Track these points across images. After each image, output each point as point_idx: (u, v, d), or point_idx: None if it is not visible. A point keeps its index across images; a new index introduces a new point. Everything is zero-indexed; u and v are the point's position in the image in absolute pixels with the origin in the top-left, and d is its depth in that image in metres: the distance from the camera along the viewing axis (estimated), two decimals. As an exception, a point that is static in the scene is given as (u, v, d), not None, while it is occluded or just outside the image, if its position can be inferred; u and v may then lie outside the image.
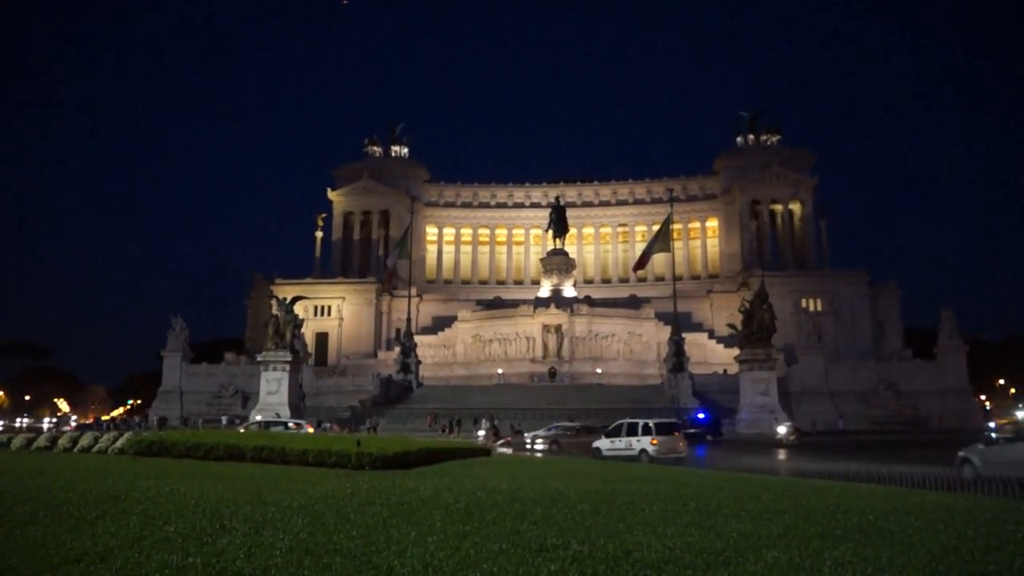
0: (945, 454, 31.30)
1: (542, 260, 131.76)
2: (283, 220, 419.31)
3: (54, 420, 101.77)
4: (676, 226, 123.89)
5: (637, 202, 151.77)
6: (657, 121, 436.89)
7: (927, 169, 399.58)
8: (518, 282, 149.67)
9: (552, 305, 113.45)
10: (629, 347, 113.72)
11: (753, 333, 77.82)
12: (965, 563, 9.97)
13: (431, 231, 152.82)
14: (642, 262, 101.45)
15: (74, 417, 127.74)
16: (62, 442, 30.38)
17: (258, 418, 62.02)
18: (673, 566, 9.36)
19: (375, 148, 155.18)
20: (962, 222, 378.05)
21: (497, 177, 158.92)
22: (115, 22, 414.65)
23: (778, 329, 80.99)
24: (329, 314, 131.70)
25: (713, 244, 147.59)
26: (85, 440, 29.71)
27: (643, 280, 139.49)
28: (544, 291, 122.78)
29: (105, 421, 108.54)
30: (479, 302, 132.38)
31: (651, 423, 40.89)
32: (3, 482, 16.67)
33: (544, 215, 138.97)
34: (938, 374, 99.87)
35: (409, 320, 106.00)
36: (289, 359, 74.30)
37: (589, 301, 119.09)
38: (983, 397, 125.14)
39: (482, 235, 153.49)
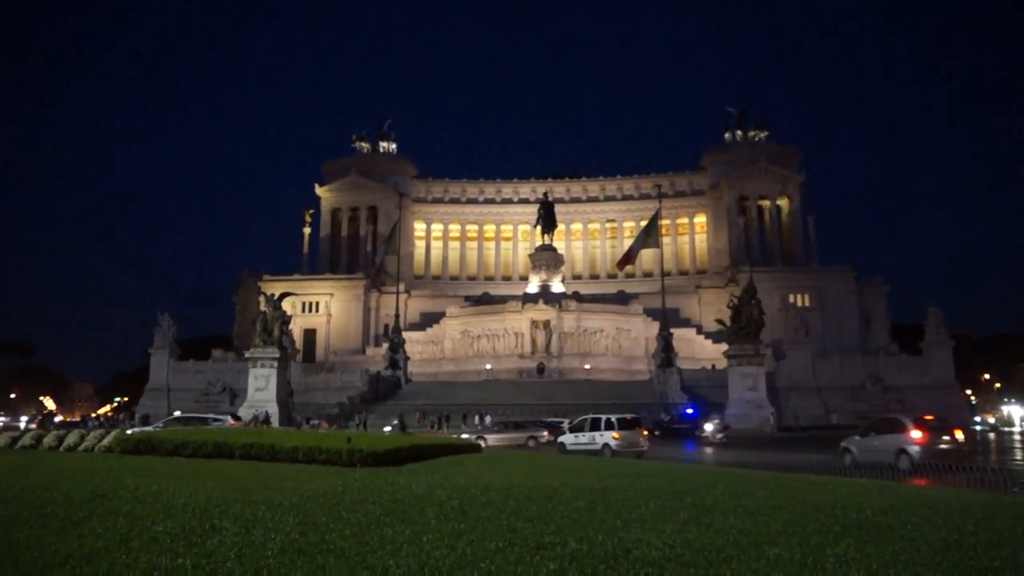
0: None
1: (530, 256, 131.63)
2: (271, 216, 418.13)
3: (33, 417, 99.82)
4: (664, 222, 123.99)
5: (625, 198, 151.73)
6: (645, 117, 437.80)
7: (913, 165, 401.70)
8: (506, 278, 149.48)
9: (540, 301, 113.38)
10: (617, 343, 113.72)
11: (741, 328, 77.88)
12: (968, 559, 9.84)
13: (419, 227, 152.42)
14: (628, 258, 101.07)
15: (58, 416, 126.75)
16: (47, 441, 29.98)
17: (176, 413, 63.71)
18: (675, 564, 9.18)
19: (363, 144, 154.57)
20: (948, 218, 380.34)
21: (485, 173, 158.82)
22: (101, 18, 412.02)
23: (766, 324, 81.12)
24: (317, 310, 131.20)
25: (701, 240, 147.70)
26: (71, 439, 29.34)
27: (631, 276, 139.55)
28: (532, 287, 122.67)
29: (91, 419, 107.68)
30: (467, 298, 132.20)
31: (613, 418, 41.84)
32: (-13, 481, 16.38)
33: (532, 211, 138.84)
34: (924, 369, 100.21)
35: (397, 316, 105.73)
36: (277, 356, 73.86)
37: (577, 297, 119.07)
38: (968, 392, 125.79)
39: (470, 231, 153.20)
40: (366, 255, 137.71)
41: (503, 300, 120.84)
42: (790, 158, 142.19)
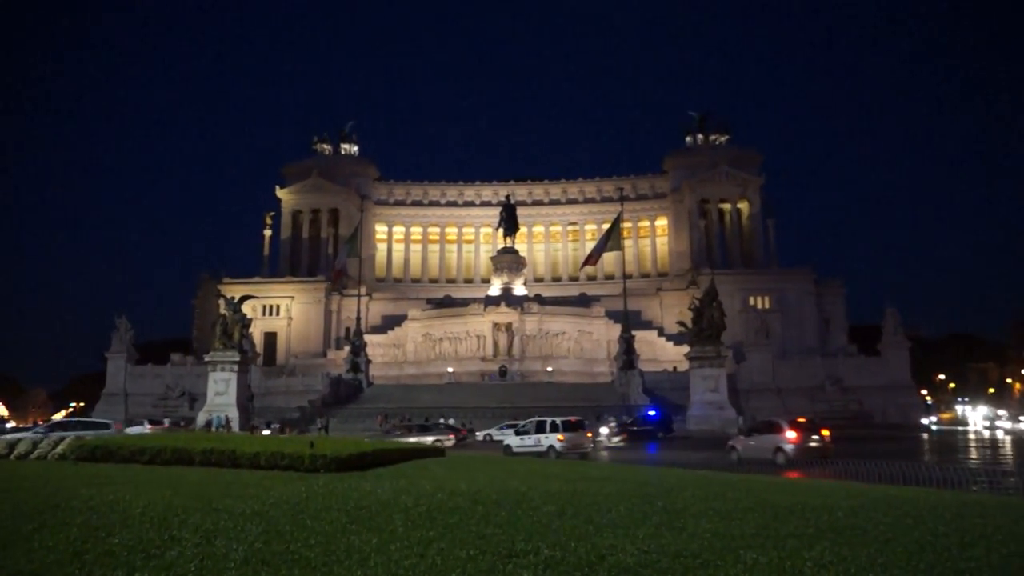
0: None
1: (492, 259, 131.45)
2: (231, 219, 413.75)
3: None
4: (626, 225, 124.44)
5: (587, 201, 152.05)
6: (607, 120, 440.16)
7: (871, 168, 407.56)
8: (468, 281, 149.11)
9: (502, 303, 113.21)
10: (580, 345, 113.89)
11: (703, 331, 78.32)
12: (944, 560, 9.79)
13: (381, 229, 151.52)
14: (592, 259, 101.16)
15: (11, 423, 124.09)
16: (-3, 448, 29.07)
17: (57, 417, 62.45)
18: (650, 571, 9.00)
19: (325, 146, 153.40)
20: (905, 220, 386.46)
21: (447, 175, 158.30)
22: (57, 15, 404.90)
23: (727, 326, 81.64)
24: (278, 314, 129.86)
25: (663, 243, 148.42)
26: (23, 446, 28.42)
27: (593, 278, 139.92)
28: (494, 290, 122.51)
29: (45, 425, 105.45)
30: (429, 301, 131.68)
31: (558, 420, 42.91)
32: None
33: (494, 214, 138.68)
34: (882, 370, 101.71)
35: (359, 319, 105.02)
36: (237, 359, 73.09)
37: (539, 300, 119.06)
38: (925, 392, 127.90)
39: (432, 234, 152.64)
40: (327, 258, 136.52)
41: (465, 303, 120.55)
42: (751, 161, 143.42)
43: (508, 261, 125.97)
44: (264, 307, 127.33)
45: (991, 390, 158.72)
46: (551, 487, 17.69)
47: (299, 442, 26.50)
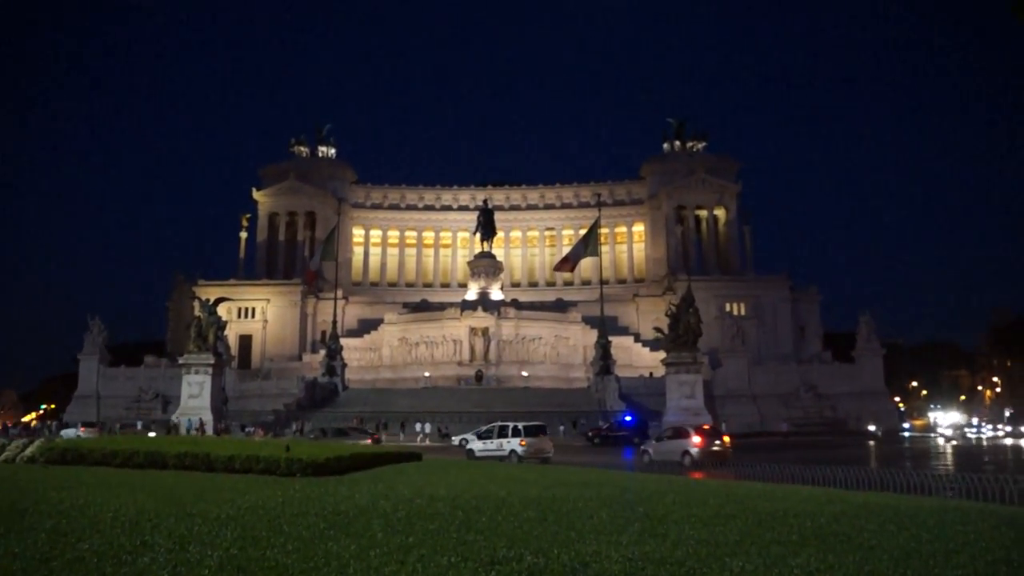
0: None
1: (469, 263, 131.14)
2: (207, 220, 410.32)
3: None
4: (603, 230, 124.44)
5: (565, 206, 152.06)
6: (586, 126, 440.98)
7: (847, 176, 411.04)
8: (445, 285, 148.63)
9: (479, 308, 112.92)
10: (556, 350, 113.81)
11: (679, 336, 78.41)
12: (930, 568, 9.73)
13: (358, 233, 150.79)
14: (568, 263, 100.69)
15: None
16: (-35, 451, 28.48)
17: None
18: (637, 579, 8.86)
19: (302, 148, 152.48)
20: (880, 229, 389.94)
21: (425, 179, 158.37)
22: (24, 15, 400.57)
23: (703, 333, 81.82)
24: (253, 316, 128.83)
25: (639, 249, 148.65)
26: (-9, 448, 27.93)
27: (570, 284, 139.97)
28: (471, 294, 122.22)
29: (11, 427, 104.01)
30: (406, 305, 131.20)
31: (520, 426, 43.78)
32: None
33: (472, 218, 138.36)
34: (856, 376, 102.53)
35: (335, 322, 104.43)
36: (212, 362, 72.41)
37: (516, 304, 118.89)
38: (898, 399, 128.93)
39: (409, 237, 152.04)
40: (304, 261, 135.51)
41: (442, 307, 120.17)
42: (727, 168, 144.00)
43: (485, 266, 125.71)
44: (239, 310, 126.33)
45: (963, 397, 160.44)
46: (530, 492, 17.52)
47: (274, 446, 26.19)
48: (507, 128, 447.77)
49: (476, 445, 45.30)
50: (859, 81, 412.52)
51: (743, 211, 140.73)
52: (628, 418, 72.59)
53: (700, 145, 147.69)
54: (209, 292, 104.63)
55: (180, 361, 76.71)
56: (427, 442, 67.72)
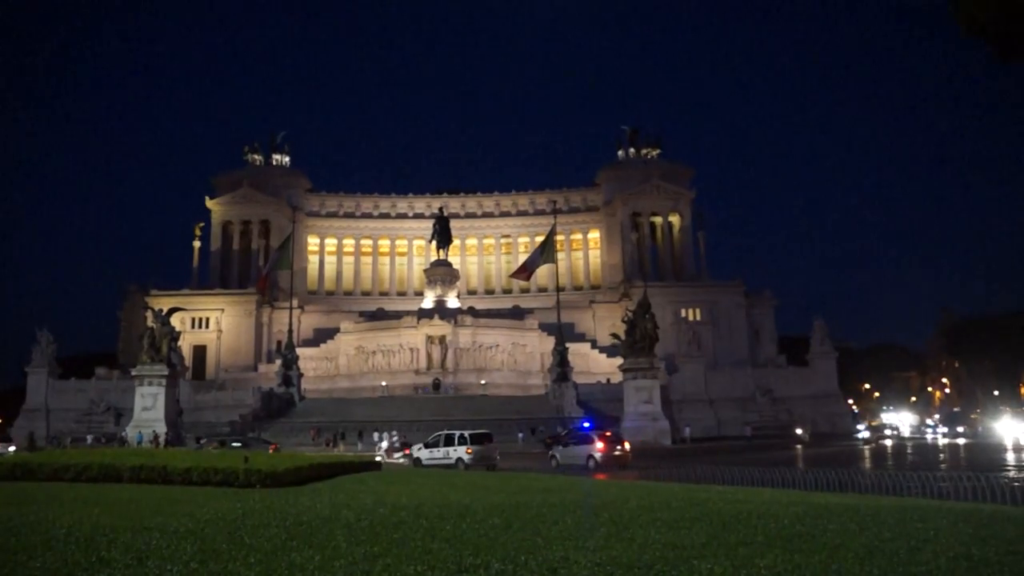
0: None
1: (425, 271, 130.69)
2: (159, 229, 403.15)
3: None
4: (559, 238, 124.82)
5: (520, 214, 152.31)
6: (541, 134, 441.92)
7: (799, 182, 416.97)
8: (401, 293, 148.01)
9: (436, 316, 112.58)
10: (513, 358, 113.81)
11: (636, 342, 78.84)
12: (895, 565, 9.82)
13: (313, 241, 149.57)
14: (524, 270, 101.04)
15: None
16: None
17: None
18: (606, 583, 8.81)
19: (256, 156, 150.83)
20: (831, 234, 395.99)
21: (380, 187, 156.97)
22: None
23: (660, 339, 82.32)
24: (207, 326, 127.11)
25: (595, 255, 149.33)
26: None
27: (526, 291, 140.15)
28: (428, 302, 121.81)
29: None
30: (362, 313, 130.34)
31: (466, 434, 45.05)
32: None
33: (427, 226, 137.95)
34: (810, 380, 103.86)
35: (291, 332, 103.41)
36: (165, 373, 71.29)
37: (473, 312, 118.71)
38: (851, 401, 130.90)
39: (365, 246, 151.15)
40: (258, 270, 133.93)
41: (398, 316, 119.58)
42: (682, 175, 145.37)
43: (441, 274, 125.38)
44: (193, 320, 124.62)
45: (914, 398, 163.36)
46: (494, 499, 17.43)
47: (233, 457, 25.79)
48: (463, 136, 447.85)
49: (423, 453, 46.01)
50: (809, 88, 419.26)
51: (697, 217, 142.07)
52: (586, 424, 72.69)
53: (654, 152, 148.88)
54: (162, 302, 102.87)
55: (133, 373, 75.40)
56: (389, 455, 67.23)
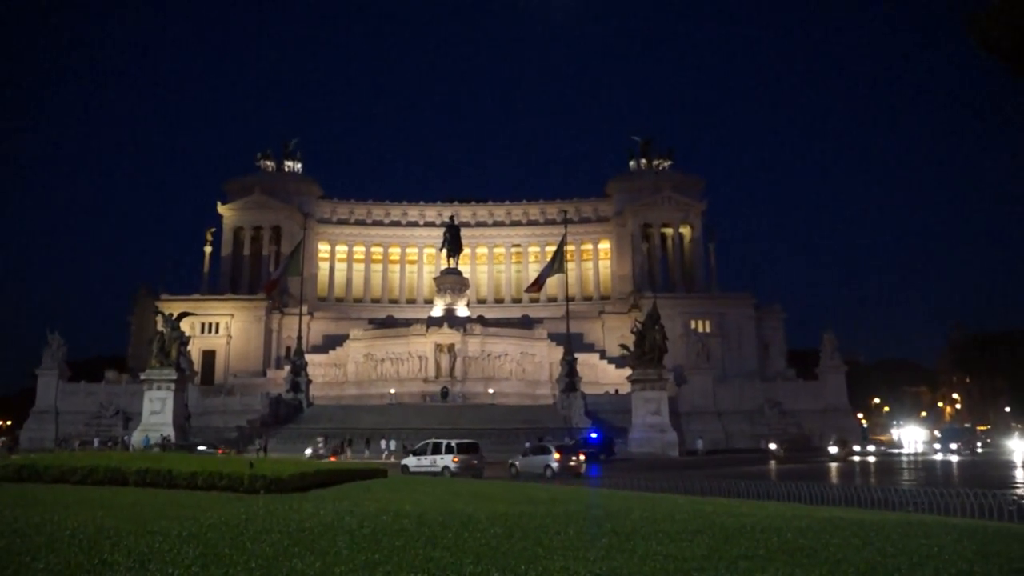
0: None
1: (435, 279, 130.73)
2: (171, 234, 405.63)
3: None
4: (569, 248, 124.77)
5: (531, 223, 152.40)
6: (553, 144, 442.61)
7: (812, 195, 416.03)
8: (411, 301, 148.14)
9: (445, 324, 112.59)
10: (522, 367, 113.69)
11: (645, 354, 78.76)
12: (896, 581, 9.77)
13: (323, 248, 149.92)
14: (537, 285, 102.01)
15: None
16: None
17: None
18: (605, 594, 8.81)
19: (268, 163, 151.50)
20: (842, 247, 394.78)
21: (391, 195, 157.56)
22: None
23: (668, 350, 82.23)
24: (217, 331, 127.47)
25: (605, 266, 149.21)
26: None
27: (536, 301, 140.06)
28: (437, 310, 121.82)
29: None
30: (371, 321, 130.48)
31: (453, 443, 47.12)
32: None
33: (438, 234, 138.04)
34: (820, 393, 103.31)
35: (300, 338, 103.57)
36: (174, 377, 71.51)
37: (482, 321, 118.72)
38: (860, 415, 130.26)
39: (375, 253, 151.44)
40: (268, 276, 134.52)
41: (407, 323, 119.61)
42: (693, 186, 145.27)
43: (451, 282, 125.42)
44: (203, 325, 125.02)
45: (924, 413, 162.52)
46: (497, 508, 17.42)
47: (238, 462, 25.84)
48: (474, 145, 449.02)
49: (410, 461, 47.59)
50: (821, 101, 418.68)
51: (708, 229, 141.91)
52: (594, 435, 72.66)
53: (666, 163, 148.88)
54: (172, 307, 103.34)
55: (142, 377, 75.64)
56: (392, 459, 67.30)
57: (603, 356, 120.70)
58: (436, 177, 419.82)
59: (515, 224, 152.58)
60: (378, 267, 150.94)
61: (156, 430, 69.13)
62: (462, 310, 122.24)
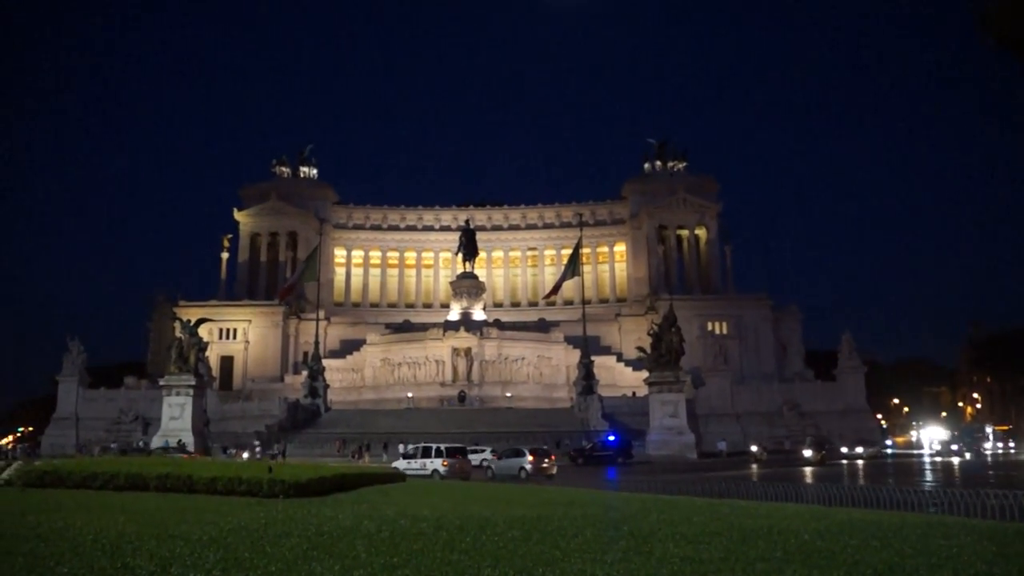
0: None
1: (452, 283, 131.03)
2: (188, 240, 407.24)
3: None
4: (585, 250, 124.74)
5: (546, 226, 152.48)
6: (567, 146, 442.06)
7: (826, 195, 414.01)
8: (427, 305, 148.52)
9: (462, 328, 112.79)
10: (539, 370, 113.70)
11: (662, 356, 78.60)
12: (914, 583, 9.74)
13: (340, 253, 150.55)
14: (555, 290, 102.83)
15: None
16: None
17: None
18: (622, 596, 8.84)
19: (283, 168, 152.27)
20: (859, 246, 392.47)
21: (407, 200, 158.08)
22: (16, 29, 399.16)
23: (685, 352, 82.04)
24: (235, 337, 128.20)
25: (621, 268, 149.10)
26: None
27: (552, 304, 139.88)
28: (454, 314, 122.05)
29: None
30: (388, 325, 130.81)
31: (443, 447, 48.59)
32: None
33: (454, 238, 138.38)
34: (838, 394, 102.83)
35: (317, 343, 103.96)
36: (193, 383, 71.96)
37: (499, 324, 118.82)
38: (880, 416, 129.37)
39: (391, 258, 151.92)
40: (285, 281, 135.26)
41: (424, 327, 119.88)
42: (708, 188, 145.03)
43: (467, 286, 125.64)
44: (221, 330, 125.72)
45: (944, 414, 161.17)
46: (515, 512, 17.46)
47: (257, 467, 26.01)
48: (489, 148, 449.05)
49: (401, 464, 48.47)
50: (837, 100, 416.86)
51: (723, 230, 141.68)
52: (611, 438, 72.59)
53: (681, 165, 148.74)
54: (190, 313, 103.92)
55: (161, 382, 76.15)
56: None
57: (620, 359, 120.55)
58: (451, 181, 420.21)
59: (531, 227, 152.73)
60: (394, 271, 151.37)
61: (175, 435, 69.58)
62: (479, 314, 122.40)
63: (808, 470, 56.32)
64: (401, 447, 73.20)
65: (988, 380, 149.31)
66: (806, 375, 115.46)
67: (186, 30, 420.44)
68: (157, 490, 22.38)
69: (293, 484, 21.16)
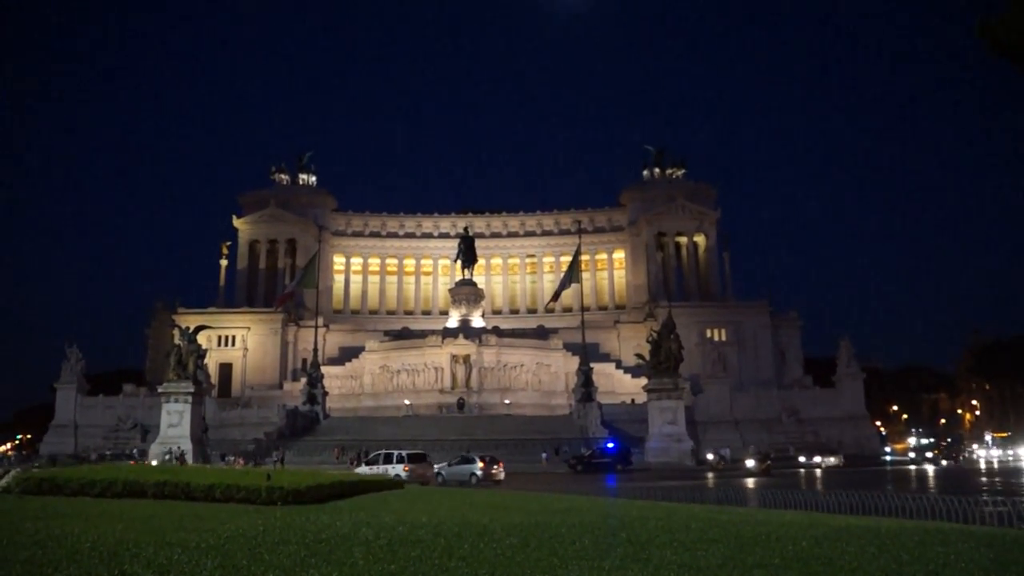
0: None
1: (450, 291, 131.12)
2: (186, 247, 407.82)
3: None
4: (584, 257, 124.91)
5: (545, 233, 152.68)
6: (566, 154, 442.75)
7: (825, 202, 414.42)
8: (426, 312, 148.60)
9: (460, 335, 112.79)
10: (538, 377, 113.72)
11: (661, 363, 78.56)
12: (911, 589, 9.74)
13: (338, 260, 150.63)
14: (554, 299, 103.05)
15: None
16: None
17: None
18: (619, 603, 8.84)
19: (282, 176, 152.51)
20: (857, 253, 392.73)
21: (406, 207, 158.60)
22: (22, 32, 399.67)
23: (684, 359, 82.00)
24: (233, 344, 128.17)
25: (620, 275, 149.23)
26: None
27: (551, 311, 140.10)
28: (452, 321, 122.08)
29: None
30: (387, 332, 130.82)
31: (404, 453, 50.08)
32: None
33: (453, 245, 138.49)
34: (837, 401, 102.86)
35: (316, 350, 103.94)
36: (192, 390, 71.89)
37: (497, 332, 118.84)
38: (878, 423, 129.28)
39: (390, 265, 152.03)
40: (284, 288, 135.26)
41: (423, 335, 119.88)
42: (706, 195, 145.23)
43: (466, 293, 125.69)
44: (220, 338, 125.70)
45: (943, 421, 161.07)
46: (513, 519, 17.45)
47: (255, 474, 26.00)
48: (488, 156, 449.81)
49: (363, 469, 49.25)
50: (835, 106, 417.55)
51: (722, 237, 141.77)
52: (610, 445, 72.48)
53: (679, 172, 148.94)
54: (189, 320, 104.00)
55: (159, 390, 76.11)
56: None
57: (619, 366, 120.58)
58: (450, 188, 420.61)
59: (529, 235, 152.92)
60: (393, 279, 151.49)
61: (174, 443, 69.54)
62: (477, 321, 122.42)
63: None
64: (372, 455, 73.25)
65: (987, 387, 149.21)
66: (805, 382, 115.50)
67: (186, 38, 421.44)
68: (155, 497, 22.38)
69: (291, 491, 21.16)
